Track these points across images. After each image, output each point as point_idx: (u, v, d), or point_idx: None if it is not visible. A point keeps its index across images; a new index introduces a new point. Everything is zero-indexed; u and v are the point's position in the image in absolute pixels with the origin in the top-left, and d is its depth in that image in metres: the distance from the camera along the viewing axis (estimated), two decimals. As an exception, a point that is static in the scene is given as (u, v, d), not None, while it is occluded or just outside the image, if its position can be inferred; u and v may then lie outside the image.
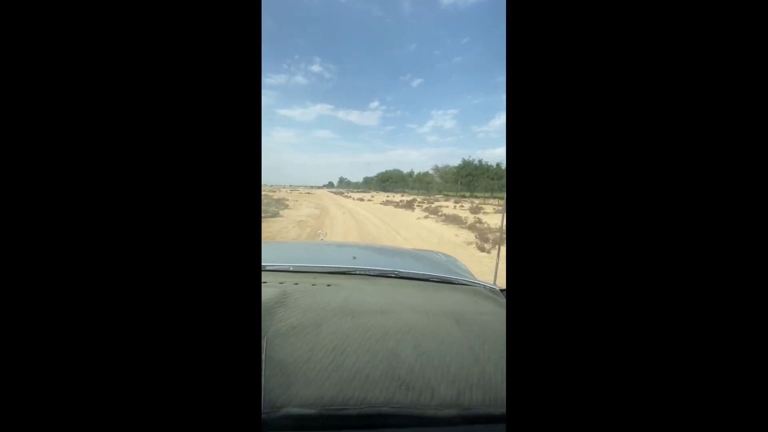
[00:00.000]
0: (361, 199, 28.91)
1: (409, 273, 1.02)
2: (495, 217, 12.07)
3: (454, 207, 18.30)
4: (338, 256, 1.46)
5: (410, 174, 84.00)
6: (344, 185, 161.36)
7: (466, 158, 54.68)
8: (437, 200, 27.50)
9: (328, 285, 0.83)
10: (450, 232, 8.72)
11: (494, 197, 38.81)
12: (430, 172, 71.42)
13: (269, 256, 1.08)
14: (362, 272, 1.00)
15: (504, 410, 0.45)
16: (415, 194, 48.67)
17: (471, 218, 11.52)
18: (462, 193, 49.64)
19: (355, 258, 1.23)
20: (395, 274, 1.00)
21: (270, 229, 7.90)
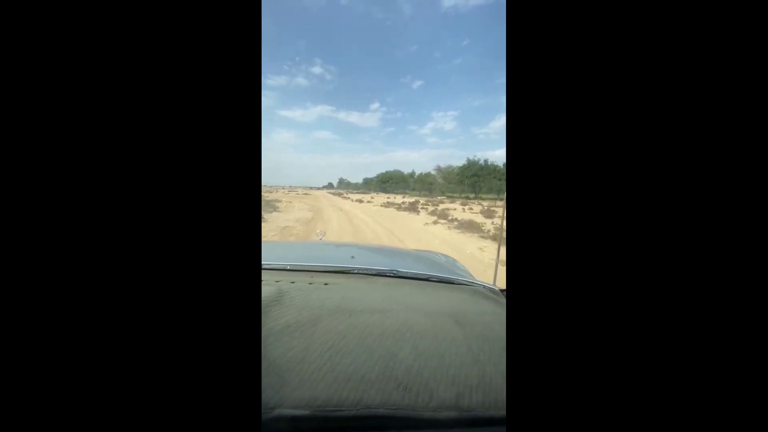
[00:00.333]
0: (360, 201, 27.16)
1: (407, 273, 1.02)
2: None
3: (463, 210, 16.54)
4: (336, 256, 1.44)
5: (411, 174, 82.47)
6: (344, 186, 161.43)
7: (471, 158, 53.05)
8: (442, 202, 25.92)
9: (326, 284, 0.84)
10: (471, 244, 6.85)
11: (500, 198, 37.11)
12: (432, 172, 69.89)
13: (266, 255, 1.05)
14: (360, 272, 1.01)
15: (504, 412, 0.44)
16: (417, 195, 47.03)
17: (488, 224, 9.80)
18: (466, 195, 47.93)
19: (353, 257, 1.24)
20: (394, 274, 1.00)
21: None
